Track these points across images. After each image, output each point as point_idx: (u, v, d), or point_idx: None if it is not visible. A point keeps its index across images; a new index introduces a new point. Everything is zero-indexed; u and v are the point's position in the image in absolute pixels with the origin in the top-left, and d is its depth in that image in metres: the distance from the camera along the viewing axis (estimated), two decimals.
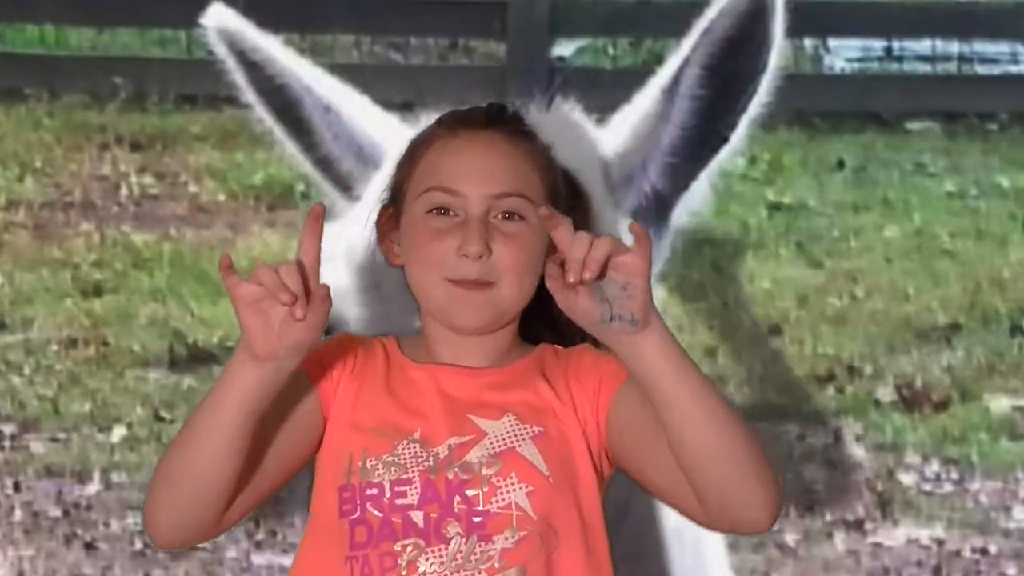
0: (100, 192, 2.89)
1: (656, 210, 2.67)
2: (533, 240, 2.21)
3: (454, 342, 2.21)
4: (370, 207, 2.29)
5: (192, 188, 2.88)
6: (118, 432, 2.87)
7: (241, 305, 1.92)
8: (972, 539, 2.83)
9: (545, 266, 2.03)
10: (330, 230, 2.64)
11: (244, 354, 1.95)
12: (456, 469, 2.13)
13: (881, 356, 2.85)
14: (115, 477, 2.86)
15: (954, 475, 2.83)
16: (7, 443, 2.87)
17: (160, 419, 2.86)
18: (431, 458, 2.14)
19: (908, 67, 2.83)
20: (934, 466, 2.84)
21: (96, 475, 2.85)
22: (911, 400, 2.84)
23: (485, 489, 2.11)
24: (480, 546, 2.08)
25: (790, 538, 2.82)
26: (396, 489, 2.12)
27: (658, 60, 2.82)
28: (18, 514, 2.87)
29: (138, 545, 2.85)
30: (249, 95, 2.85)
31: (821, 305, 2.84)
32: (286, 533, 2.83)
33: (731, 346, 2.84)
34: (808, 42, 2.80)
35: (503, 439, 2.16)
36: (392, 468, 2.12)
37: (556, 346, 2.30)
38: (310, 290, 1.95)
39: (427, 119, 2.86)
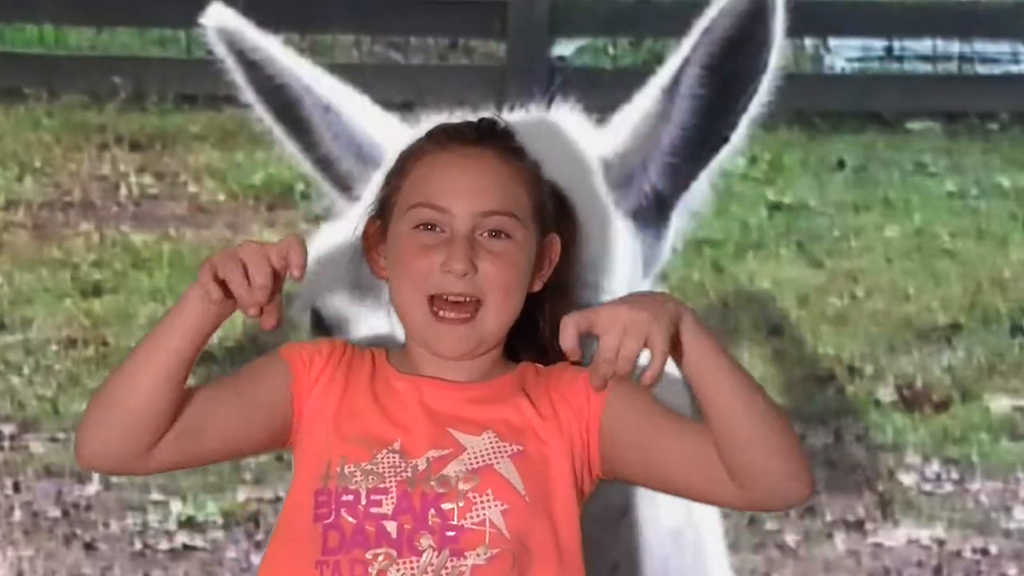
0: (99, 192, 2.89)
1: (656, 210, 2.66)
2: (519, 258, 2.21)
3: (437, 361, 2.21)
4: (357, 218, 2.29)
5: (192, 188, 2.87)
6: None
7: (208, 271, 1.96)
8: (973, 539, 2.83)
9: (561, 326, 2.03)
10: (330, 230, 2.64)
11: (191, 292, 1.99)
12: (433, 482, 2.12)
13: (881, 356, 2.84)
14: (114, 477, 2.85)
15: (955, 475, 2.83)
16: (6, 443, 2.87)
17: None
18: (409, 469, 2.13)
19: (909, 67, 2.83)
20: (934, 466, 2.83)
21: (96, 475, 2.85)
22: (911, 400, 2.84)
23: (461, 504, 2.11)
24: (452, 561, 2.08)
25: (790, 538, 2.82)
26: (372, 498, 2.11)
27: (658, 60, 2.82)
28: (17, 514, 2.86)
29: (138, 546, 2.84)
30: (249, 95, 2.84)
31: (821, 305, 2.84)
32: None
33: (731, 346, 2.83)
34: (808, 42, 2.80)
35: (482, 455, 2.15)
36: (370, 476, 2.12)
37: (537, 364, 2.30)
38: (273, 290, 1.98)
39: (427, 119, 2.87)
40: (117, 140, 2.89)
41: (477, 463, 2.15)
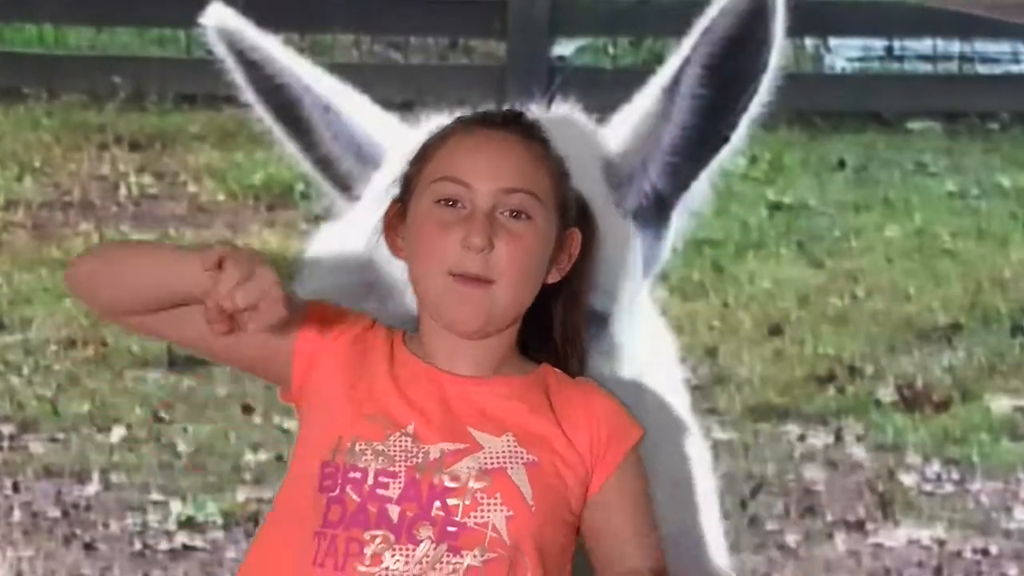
0: (99, 192, 2.89)
1: (656, 210, 2.66)
2: (537, 242, 2.20)
3: (450, 344, 2.21)
4: (378, 202, 2.29)
5: (191, 188, 2.87)
6: (117, 432, 2.86)
7: (215, 259, 1.95)
8: (973, 540, 2.82)
9: None
10: (330, 230, 2.64)
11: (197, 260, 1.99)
12: (444, 475, 2.12)
13: (882, 356, 2.84)
14: (114, 477, 2.85)
15: (955, 475, 2.83)
16: (6, 443, 2.87)
17: (159, 419, 2.86)
18: (420, 455, 2.13)
19: (909, 67, 2.83)
20: (935, 466, 2.83)
21: (95, 475, 2.85)
22: (912, 400, 2.84)
23: (467, 502, 2.11)
24: (448, 556, 2.08)
25: (791, 539, 2.82)
26: (380, 479, 2.11)
27: (658, 59, 2.81)
28: (17, 514, 2.86)
29: (137, 546, 2.84)
30: (248, 94, 2.84)
31: (822, 305, 2.84)
32: None
33: (731, 346, 2.83)
34: (809, 42, 2.80)
35: (497, 457, 2.15)
36: (380, 457, 2.12)
37: (557, 370, 2.29)
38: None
39: (427, 119, 2.86)
40: (117, 140, 2.89)
41: (491, 464, 2.14)
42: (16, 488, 2.86)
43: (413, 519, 2.09)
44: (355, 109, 2.80)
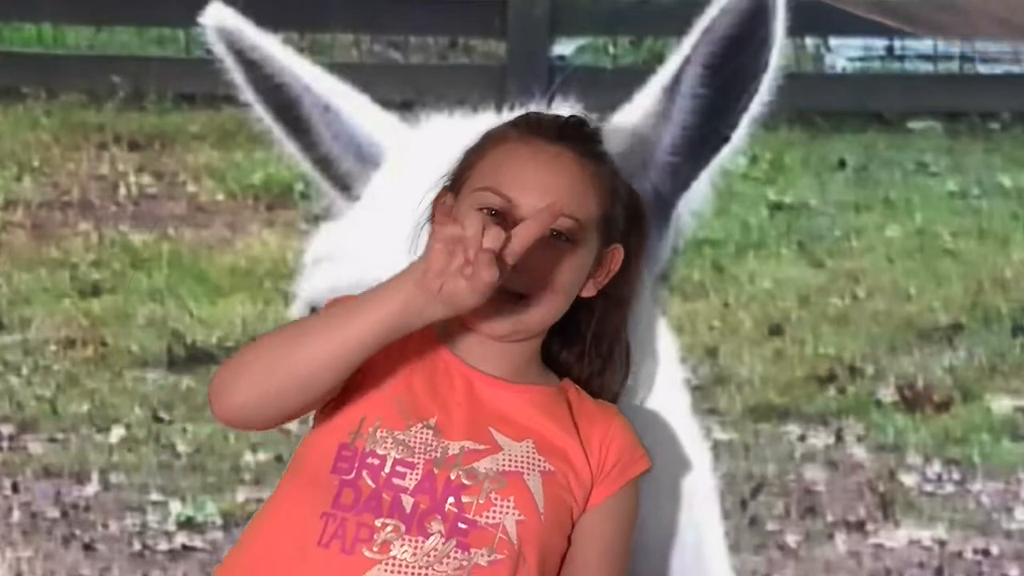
0: (98, 192, 2.89)
1: (657, 210, 2.66)
2: (573, 263, 2.21)
3: (478, 342, 2.21)
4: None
5: (191, 188, 2.87)
6: (116, 433, 2.86)
7: (437, 239, 1.92)
8: (974, 540, 2.82)
9: None
10: (330, 230, 2.64)
11: (408, 277, 1.95)
12: (461, 471, 2.12)
13: (883, 356, 2.84)
14: (113, 478, 2.85)
15: (956, 476, 2.83)
16: (5, 444, 2.86)
17: (159, 420, 2.85)
18: (440, 450, 2.13)
19: (910, 66, 2.82)
20: (936, 467, 2.83)
21: (95, 476, 2.85)
22: (913, 401, 2.83)
23: (481, 501, 2.11)
24: (456, 552, 2.08)
25: (791, 539, 2.82)
26: (398, 468, 2.11)
27: (659, 59, 2.81)
28: (16, 515, 2.86)
29: (137, 546, 2.84)
30: (248, 94, 2.84)
31: (822, 305, 2.83)
32: None
33: (731, 346, 2.83)
34: (809, 41, 2.79)
35: (516, 461, 2.15)
36: (401, 447, 2.12)
37: (577, 387, 2.29)
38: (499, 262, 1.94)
39: (427, 118, 2.86)
40: (116, 139, 2.88)
41: (509, 467, 2.15)
42: (15, 488, 2.86)
43: (426, 512, 2.09)
44: (355, 109, 2.80)
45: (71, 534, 2.85)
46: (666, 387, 2.77)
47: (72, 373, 2.86)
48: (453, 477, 2.13)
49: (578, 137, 2.27)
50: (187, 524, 2.85)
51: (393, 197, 2.74)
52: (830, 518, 2.82)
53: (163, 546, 2.84)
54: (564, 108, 2.78)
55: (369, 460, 2.13)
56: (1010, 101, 2.83)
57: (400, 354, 2.19)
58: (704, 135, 2.78)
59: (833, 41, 2.84)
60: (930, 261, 2.84)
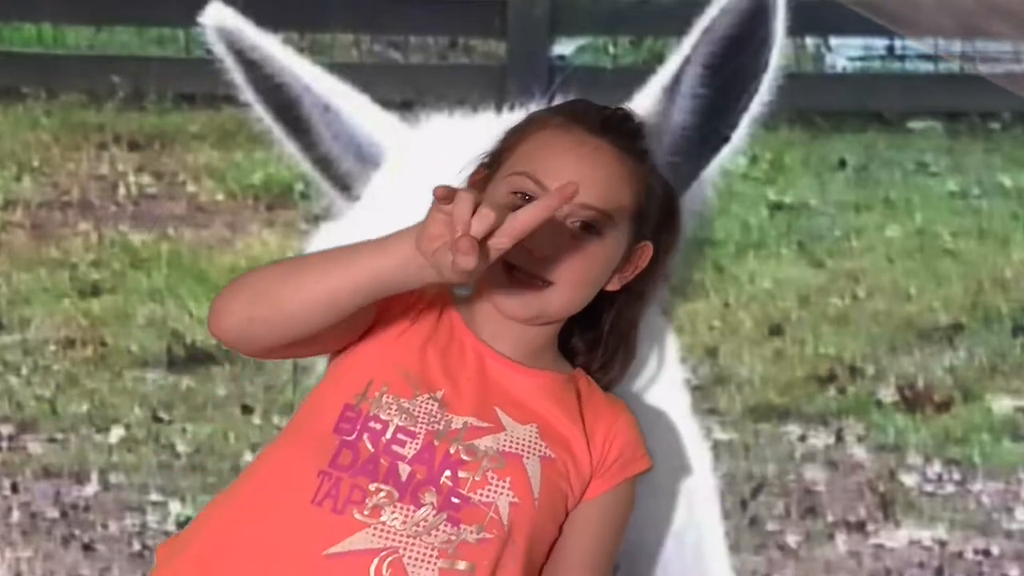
0: (98, 192, 2.88)
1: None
2: (601, 257, 2.21)
3: (496, 320, 2.21)
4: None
5: (190, 188, 2.87)
6: (116, 433, 2.86)
7: (436, 209, 1.90)
8: (974, 540, 2.82)
9: None
10: (330, 230, 2.64)
11: (410, 235, 1.93)
12: (461, 447, 2.12)
13: (883, 356, 2.84)
14: (113, 478, 2.85)
15: (956, 476, 2.82)
16: (4, 444, 2.86)
17: (158, 420, 2.85)
18: (443, 423, 2.13)
19: (910, 66, 2.82)
20: (936, 467, 2.83)
21: (94, 476, 2.85)
22: (913, 401, 2.83)
23: (477, 478, 2.11)
24: (445, 526, 2.08)
25: (791, 539, 2.81)
26: (399, 436, 2.11)
27: (659, 59, 2.81)
28: (16, 515, 2.86)
29: (136, 547, 2.84)
30: (248, 94, 2.84)
31: (822, 305, 2.83)
32: None
33: (731, 346, 2.83)
34: (810, 41, 2.79)
35: (517, 443, 2.15)
36: (404, 415, 2.12)
37: (588, 378, 2.29)
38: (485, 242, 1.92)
39: (427, 118, 2.86)
40: (116, 139, 2.88)
41: (510, 448, 2.15)
42: (15, 488, 2.86)
43: (421, 482, 2.09)
44: (355, 109, 2.80)
45: (71, 534, 2.85)
46: (666, 387, 2.77)
47: (72, 373, 2.86)
48: (452, 451, 2.14)
49: (621, 131, 2.27)
50: (187, 524, 2.85)
51: (393, 197, 2.74)
52: (830, 518, 2.82)
53: None
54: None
55: (371, 424, 2.13)
56: (1011, 101, 2.83)
57: (416, 322, 2.19)
58: (704, 135, 2.78)
59: (833, 41, 2.84)
60: (930, 261, 2.84)
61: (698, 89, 2.77)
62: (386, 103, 2.83)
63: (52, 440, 2.86)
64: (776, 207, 2.82)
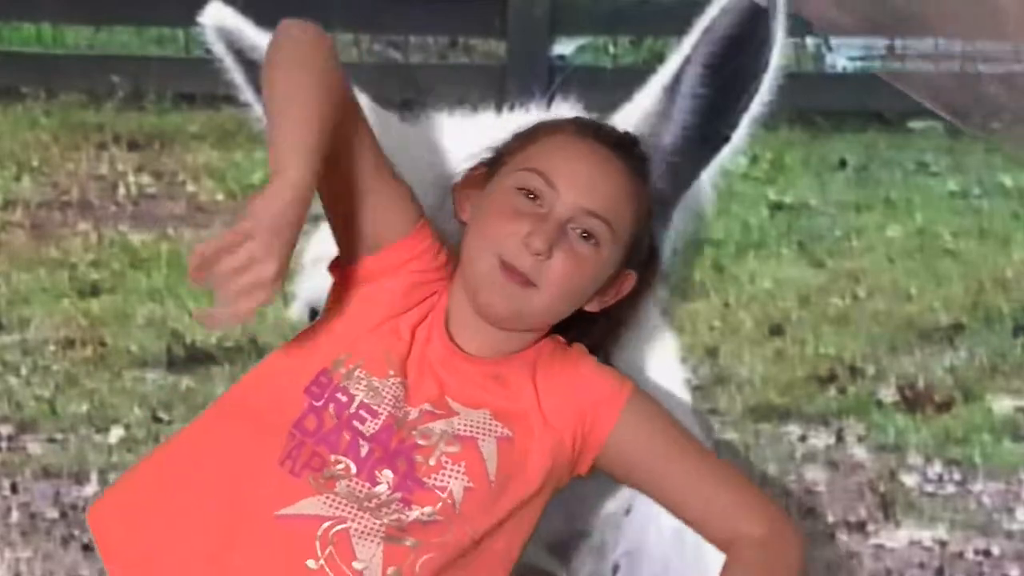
0: (97, 191, 2.88)
1: (657, 210, 2.66)
2: (594, 270, 2.20)
3: (471, 324, 2.20)
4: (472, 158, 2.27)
5: (190, 187, 2.86)
6: (116, 433, 2.86)
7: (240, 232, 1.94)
8: (975, 541, 2.82)
9: None
10: (329, 230, 2.64)
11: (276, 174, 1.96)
12: (415, 433, 2.12)
13: (883, 356, 2.84)
14: (113, 478, 2.84)
15: (957, 476, 2.82)
16: (4, 444, 2.86)
17: (158, 420, 2.85)
18: (403, 411, 2.13)
19: (911, 66, 2.82)
20: (936, 467, 2.83)
21: (94, 476, 2.84)
22: (913, 401, 2.83)
23: (432, 463, 2.11)
24: (397, 506, 2.08)
25: None
26: (361, 412, 2.12)
27: (659, 58, 2.81)
28: (15, 515, 2.86)
29: None
30: (248, 94, 2.84)
31: (823, 305, 2.83)
32: None
33: (732, 346, 2.83)
34: (810, 40, 2.79)
35: (471, 427, 2.15)
36: (371, 392, 2.12)
37: (558, 339, 2.28)
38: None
39: (427, 118, 2.86)
40: (115, 139, 2.88)
41: (465, 431, 2.15)
42: (14, 489, 2.86)
43: (378, 460, 2.09)
44: None
45: (70, 535, 2.85)
46: (666, 387, 2.77)
47: (71, 373, 2.85)
48: (407, 437, 2.14)
49: (632, 154, 2.27)
50: None
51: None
52: (831, 518, 2.82)
53: None
54: (564, 107, 2.78)
55: (339, 395, 2.14)
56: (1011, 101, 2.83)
57: (415, 308, 2.19)
58: (704, 135, 2.78)
59: (834, 40, 2.83)
60: (931, 261, 2.84)
61: (698, 89, 2.76)
62: (386, 102, 2.83)
63: (51, 440, 2.86)
64: (776, 207, 2.82)
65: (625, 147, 2.27)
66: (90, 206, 2.88)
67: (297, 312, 2.81)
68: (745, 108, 2.77)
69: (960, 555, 2.81)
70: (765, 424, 2.81)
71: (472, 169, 2.34)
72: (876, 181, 2.84)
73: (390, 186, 2.21)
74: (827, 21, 2.72)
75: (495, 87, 2.80)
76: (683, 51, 2.77)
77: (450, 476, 2.12)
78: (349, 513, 2.07)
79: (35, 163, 2.88)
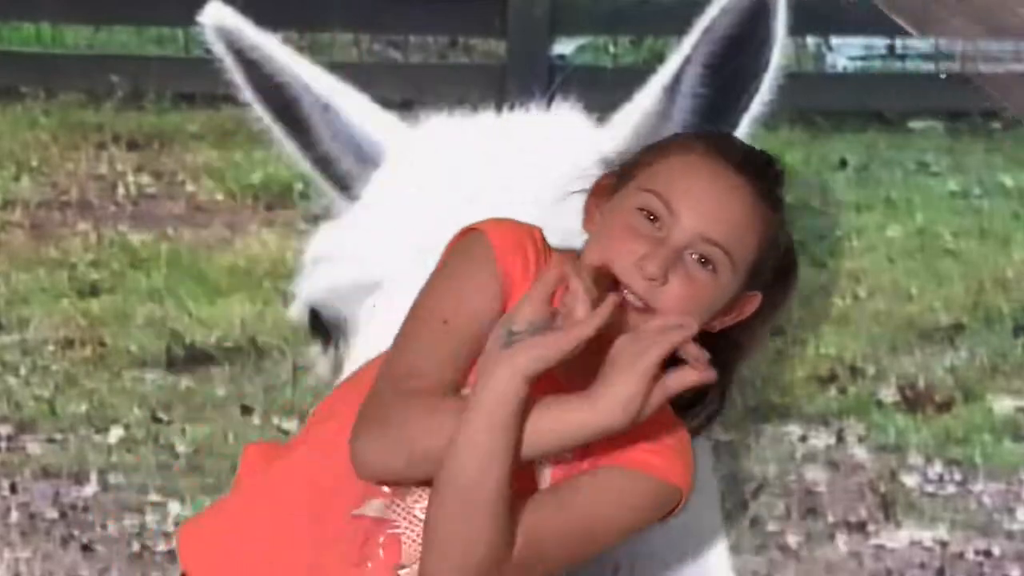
0: (97, 191, 2.88)
1: None
2: (710, 295, 2.16)
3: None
4: (597, 168, 2.24)
5: (190, 187, 2.86)
6: (115, 433, 2.85)
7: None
8: (975, 541, 2.82)
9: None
10: (329, 230, 2.63)
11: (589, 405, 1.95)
12: None
13: (884, 356, 2.83)
14: (112, 478, 2.84)
15: (957, 476, 2.82)
16: (3, 444, 2.86)
17: (157, 420, 2.85)
18: None
19: (911, 65, 2.82)
20: (937, 467, 2.82)
21: (93, 476, 2.84)
22: (914, 401, 2.83)
23: None
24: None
25: (792, 540, 2.81)
26: None
27: (659, 58, 2.81)
28: (14, 516, 2.85)
29: (136, 547, 2.83)
30: (247, 93, 2.84)
31: (823, 305, 2.83)
32: None
33: None
34: (810, 40, 2.79)
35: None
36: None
37: (668, 407, 2.23)
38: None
39: (427, 117, 2.86)
40: (115, 139, 2.87)
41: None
42: (13, 489, 2.85)
43: None
44: (354, 108, 2.79)
45: (69, 535, 2.84)
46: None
47: (71, 373, 2.85)
48: None
49: (762, 175, 2.22)
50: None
51: (393, 197, 2.74)
52: (831, 519, 2.81)
53: (162, 547, 2.84)
54: (564, 107, 2.77)
55: None
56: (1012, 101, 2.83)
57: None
58: None
59: (834, 40, 2.83)
60: (931, 261, 2.84)
61: (698, 89, 2.76)
62: (386, 103, 2.83)
63: (51, 440, 2.86)
64: None
65: (754, 169, 2.22)
66: (89, 206, 2.88)
67: (297, 312, 2.81)
68: (745, 108, 2.77)
69: (960, 555, 2.81)
70: (765, 424, 2.81)
71: (601, 179, 2.30)
72: (876, 181, 2.84)
73: (467, 327, 2.16)
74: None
75: (495, 87, 2.79)
76: (683, 51, 2.76)
77: None
78: (408, 521, 2.07)
79: (34, 163, 2.88)
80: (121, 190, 2.87)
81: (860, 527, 2.81)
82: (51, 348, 2.86)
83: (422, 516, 2.07)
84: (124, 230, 2.88)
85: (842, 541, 2.81)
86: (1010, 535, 2.82)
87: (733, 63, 2.76)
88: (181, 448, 2.84)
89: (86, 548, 2.84)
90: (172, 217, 2.87)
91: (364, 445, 2.04)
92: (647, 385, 1.94)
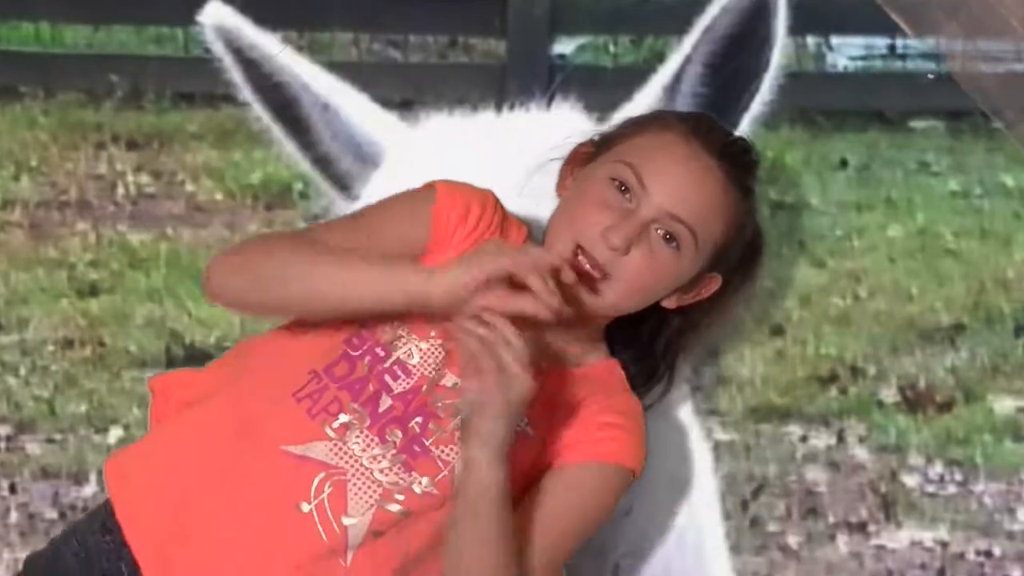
0: (96, 191, 2.88)
1: None
2: (670, 271, 2.19)
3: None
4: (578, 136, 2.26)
5: (189, 187, 2.86)
6: (115, 433, 2.85)
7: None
8: (976, 541, 2.81)
9: None
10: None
11: (425, 277, 1.96)
12: (439, 405, 2.12)
13: (884, 357, 2.83)
14: None
15: (958, 477, 2.82)
16: (3, 444, 2.86)
17: None
18: (438, 374, 2.13)
19: (912, 65, 2.81)
20: (938, 468, 2.82)
21: (93, 477, 2.84)
22: (914, 401, 2.82)
23: (444, 434, 2.11)
24: (398, 469, 2.08)
25: (793, 540, 2.81)
26: (395, 369, 2.12)
27: (660, 58, 2.81)
28: (14, 516, 2.85)
29: None
30: (247, 93, 2.83)
31: (824, 305, 2.82)
32: None
33: (732, 346, 2.82)
34: (811, 40, 2.79)
35: None
36: (413, 351, 2.12)
37: (617, 375, 2.25)
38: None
39: (427, 117, 2.85)
40: (114, 139, 2.87)
41: None
42: (13, 489, 2.85)
43: (392, 419, 2.08)
44: (354, 108, 2.79)
45: None
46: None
47: (70, 373, 2.85)
48: (431, 402, 2.14)
49: (737, 162, 2.25)
50: None
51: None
52: (831, 519, 2.81)
53: None
54: (564, 107, 2.77)
55: (377, 349, 2.14)
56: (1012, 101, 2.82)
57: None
58: None
59: (835, 40, 2.83)
60: (932, 261, 2.83)
61: (699, 88, 2.76)
62: (386, 102, 2.82)
63: (50, 441, 2.85)
64: (777, 206, 2.81)
65: (730, 155, 2.25)
66: (89, 206, 2.88)
67: None
68: (746, 107, 2.77)
69: (961, 556, 2.81)
70: (766, 424, 2.81)
71: (580, 146, 2.33)
72: (877, 181, 2.84)
73: (384, 239, 2.19)
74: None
75: (495, 87, 2.79)
76: (684, 50, 2.76)
77: (457, 453, 2.11)
78: (352, 467, 2.08)
79: (34, 163, 2.88)
80: (120, 190, 2.87)
81: (861, 527, 2.81)
82: (50, 348, 2.86)
83: (369, 464, 2.08)
84: (123, 230, 2.87)
85: (842, 541, 2.81)
86: (1011, 536, 2.82)
87: (733, 62, 2.76)
88: None
89: None
90: (171, 217, 2.87)
91: (215, 262, 2.10)
92: (476, 283, 1.97)
